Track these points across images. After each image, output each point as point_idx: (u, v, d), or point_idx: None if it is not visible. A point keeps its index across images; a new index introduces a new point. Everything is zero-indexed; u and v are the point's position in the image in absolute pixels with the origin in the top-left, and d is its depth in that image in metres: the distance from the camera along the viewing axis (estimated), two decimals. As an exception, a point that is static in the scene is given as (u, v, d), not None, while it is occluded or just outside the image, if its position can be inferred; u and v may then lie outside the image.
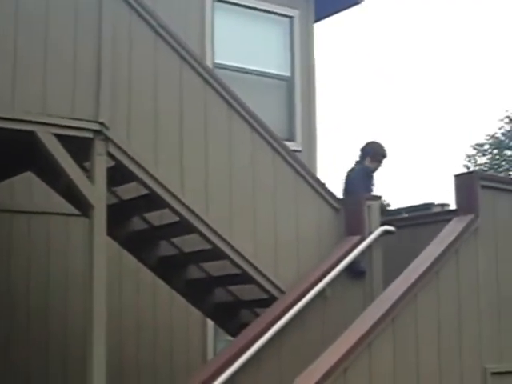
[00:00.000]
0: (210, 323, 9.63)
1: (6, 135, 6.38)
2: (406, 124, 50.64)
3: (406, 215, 9.45)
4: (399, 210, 9.96)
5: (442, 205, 9.04)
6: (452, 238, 6.97)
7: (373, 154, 8.63)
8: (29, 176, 8.20)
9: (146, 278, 8.99)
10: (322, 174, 14.07)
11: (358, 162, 8.72)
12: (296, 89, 10.92)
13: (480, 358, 6.94)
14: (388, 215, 9.03)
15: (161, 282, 8.49)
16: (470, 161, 41.04)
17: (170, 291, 8.56)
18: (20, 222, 9.11)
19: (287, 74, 10.92)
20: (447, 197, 7.68)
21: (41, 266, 9.17)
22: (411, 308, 6.52)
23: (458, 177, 7.37)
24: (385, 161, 8.71)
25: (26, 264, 9.07)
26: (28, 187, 8.97)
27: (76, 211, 7.89)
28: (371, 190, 8.46)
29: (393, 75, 55.11)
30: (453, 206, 7.67)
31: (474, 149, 36.81)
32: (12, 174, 8.23)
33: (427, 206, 9.25)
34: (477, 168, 37.44)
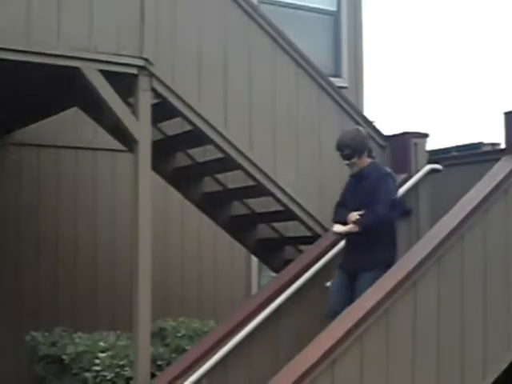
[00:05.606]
0: (255, 258, 9.68)
1: (52, 71, 6.40)
2: (457, 61, 49.68)
3: (455, 154, 9.28)
4: (449, 149, 9.80)
5: (493, 144, 8.82)
6: (501, 177, 6.76)
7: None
8: (76, 112, 8.24)
9: (191, 212, 9.04)
10: (369, 110, 13.95)
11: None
12: (342, 24, 10.74)
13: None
14: (437, 154, 8.89)
15: (205, 217, 8.53)
16: (522, 98, 40.19)
17: (215, 226, 8.60)
18: (67, 157, 9.21)
19: (333, 8, 10.74)
20: (499, 136, 7.43)
21: (87, 199, 9.30)
22: (457, 247, 6.36)
23: (507, 114, 7.10)
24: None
25: (72, 197, 9.21)
26: (74, 123, 9.03)
27: (122, 147, 7.94)
28: None
29: (451, 14, 53.91)
30: (503, 146, 7.49)
31: (527, 85, 35.99)
32: (59, 110, 8.28)
33: (477, 146, 9.06)
34: (528, 104, 36.65)
